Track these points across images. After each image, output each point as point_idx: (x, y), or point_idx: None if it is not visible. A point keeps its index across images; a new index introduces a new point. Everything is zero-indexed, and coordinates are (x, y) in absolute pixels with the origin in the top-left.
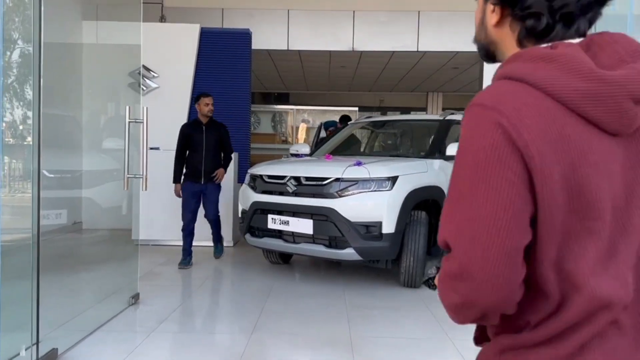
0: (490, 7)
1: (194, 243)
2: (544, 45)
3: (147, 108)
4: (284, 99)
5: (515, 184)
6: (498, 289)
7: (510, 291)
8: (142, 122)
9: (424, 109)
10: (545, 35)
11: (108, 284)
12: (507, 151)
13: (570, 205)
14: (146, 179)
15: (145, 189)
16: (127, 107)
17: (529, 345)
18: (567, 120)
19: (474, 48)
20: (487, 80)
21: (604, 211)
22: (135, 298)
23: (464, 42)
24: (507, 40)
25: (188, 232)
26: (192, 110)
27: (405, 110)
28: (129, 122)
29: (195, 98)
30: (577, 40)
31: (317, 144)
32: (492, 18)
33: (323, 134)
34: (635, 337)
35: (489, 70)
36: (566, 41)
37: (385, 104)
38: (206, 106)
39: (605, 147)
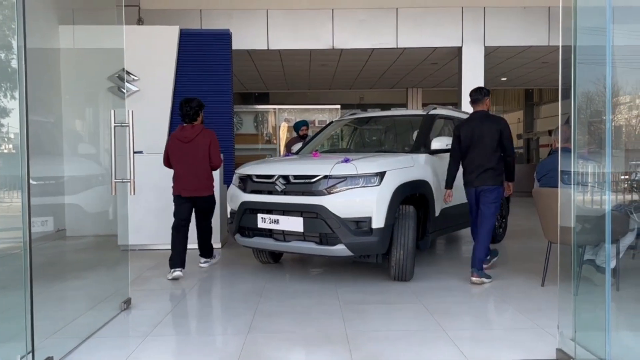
0: None
1: None
2: None
3: (132, 111)
4: (264, 98)
5: None
6: None
7: None
8: (128, 126)
9: (404, 105)
10: None
11: (99, 290)
12: None
13: None
14: (134, 182)
15: (133, 193)
16: (112, 111)
17: None
18: None
19: (452, 43)
20: (465, 76)
21: None
22: (127, 303)
23: (442, 37)
24: None
25: None
26: (174, 113)
27: (386, 107)
28: (115, 125)
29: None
30: None
31: (286, 145)
32: None
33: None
34: None
35: (468, 66)
36: None
37: (365, 100)
38: None
39: None
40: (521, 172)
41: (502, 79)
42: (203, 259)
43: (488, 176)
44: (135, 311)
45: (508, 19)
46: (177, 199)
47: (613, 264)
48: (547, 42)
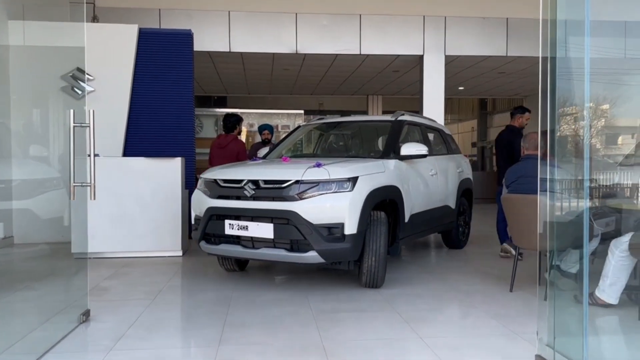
0: None
1: (145, 254)
2: None
3: (93, 111)
4: (223, 102)
5: None
6: None
7: None
8: (89, 126)
9: (364, 112)
10: None
11: (54, 302)
12: None
13: None
14: (94, 187)
15: (94, 198)
16: (71, 111)
17: None
18: None
19: (414, 51)
20: (427, 84)
21: None
22: (86, 315)
23: (404, 45)
24: None
25: None
26: (131, 114)
27: (346, 113)
28: (74, 126)
29: None
30: None
31: (251, 149)
32: None
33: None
34: None
35: (429, 74)
36: None
37: (325, 107)
38: None
39: None
40: (477, 179)
41: (460, 88)
42: None
43: None
44: (95, 323)
45: (468, 29)
46: None
47: (576, 269)
48: (505, 52)
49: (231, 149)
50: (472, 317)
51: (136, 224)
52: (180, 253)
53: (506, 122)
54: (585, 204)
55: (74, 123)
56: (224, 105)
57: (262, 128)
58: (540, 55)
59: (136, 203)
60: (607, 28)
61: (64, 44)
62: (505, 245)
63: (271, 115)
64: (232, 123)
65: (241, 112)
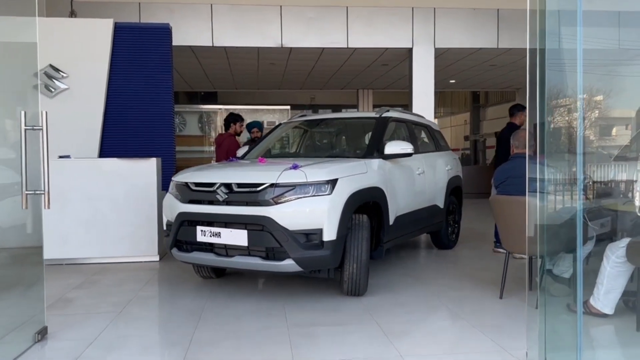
0: None
1: (120, 260)
2: None
3: (46, 112)
4: (211, 98)
5: None
6: None
7: None
8: (42, 129)
9: (355, 106)
10: None
11: (3, 319)
12: None
13: None
14: (48, 194)
15: (48, 207)
16: (22, 112)
17: None
18: None
19: (403, 44)
20: (416, 77)
21: None
22: (43, 333)
23: (392, 38)
24: None
25: None
26: (107, 113)
27: (337, 108)
28: (26, 129)
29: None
30: None
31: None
32: None
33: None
34: None
35: (418, 67)
36: None
37: (316, 101)
38: None
39: None
40: (469, 174)
41: (451, 81)
42: None
43: None
44: (52, 342)
45: (458, 21)
46: None
47: (569, 273)
48: (496, 44)
49: (224, 147)
50: (459, 329)
51: (111, 229)
52: (157, 258)
53: (499, 115)
54: (579, 203)
55: (25, 126)
56: (214, 101)
57: (251, 126)
58: (528, 47)
59: (110, 206)
60: (599, 18)
61: (23, 39)
62: (499, 249)
63: (256, 111)
64: (228, 122)
65: (227, 109)
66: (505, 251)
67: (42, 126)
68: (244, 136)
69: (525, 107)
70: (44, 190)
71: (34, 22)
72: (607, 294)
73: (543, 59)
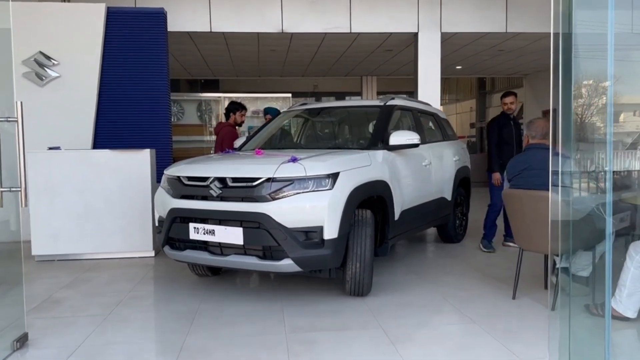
0: None
1: (114, 255)
2: None
3: (21, 102)
4: (213, 86)
5: None
6: None
7: None
8: (17, 121)
9: (359, 94)
10: None
11: None
12: None
13: None
14: (25, 191)
15: (25, 205)
16: None
17: None
18: None
19: (407, 29)
20: (422, 63)
21: None
22: (22, 340)
23: (397, 22)
24: None
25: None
26: (101, 102)
27: (340, 96)
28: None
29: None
30: None
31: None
32: None
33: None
34: None
35: (424, 53)
36: None
37: (319, 89)
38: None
39: None
40: (476, 162)
41: (457, 67)
42: None
43: None
44: (33, 350)
45: (465, 4)
46: None
47: (588, 271)
48: (505, 29)
49: (219, 138)
50: (469, 335)
51: (103, 223)
52: (152, 254)
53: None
54: (608, 197)
55: None
56: (216, 89)
57: (265, 112)
58: (552, 31)
59: (103, 200)
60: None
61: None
62: (509, 243)
63: (257, 99)
64: (227, 111)
65: (227, 97)
66: (516, 245)
67: (17, 117)
68: (246, 126)
69: (511, 93)
70: (21, 187)
71: (7, 6)
72: (630, 296)
73: (569, 44)
